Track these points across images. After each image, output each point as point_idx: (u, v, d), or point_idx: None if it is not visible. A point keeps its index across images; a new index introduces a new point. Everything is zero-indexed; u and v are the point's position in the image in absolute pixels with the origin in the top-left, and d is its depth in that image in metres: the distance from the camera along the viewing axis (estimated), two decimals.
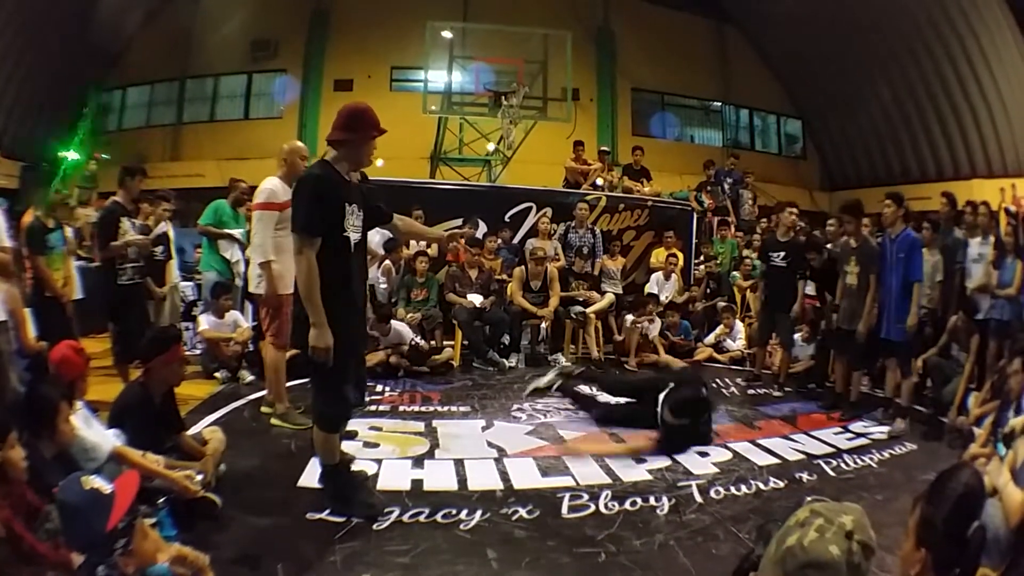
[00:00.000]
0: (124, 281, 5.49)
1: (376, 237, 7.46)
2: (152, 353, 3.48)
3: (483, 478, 4.02)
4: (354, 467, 3.91)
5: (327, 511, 3.39)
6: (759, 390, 6.83)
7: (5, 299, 4.12)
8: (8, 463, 2.27)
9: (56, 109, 14.95)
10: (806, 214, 10.26)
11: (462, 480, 3.98)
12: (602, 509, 3.64)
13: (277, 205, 4.70)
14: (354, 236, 3.32)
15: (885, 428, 5.43)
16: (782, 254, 6.87)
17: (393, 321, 6.87)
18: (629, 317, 8.04)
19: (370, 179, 6.14)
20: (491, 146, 12.75)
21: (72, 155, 14.14)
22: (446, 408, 5.65)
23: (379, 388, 6.18)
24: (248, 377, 6.21)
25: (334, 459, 3.45)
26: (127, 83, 17.24)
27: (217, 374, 6.25)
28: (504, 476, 4.07)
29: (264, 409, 5.09)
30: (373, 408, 5.50)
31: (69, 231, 5.90)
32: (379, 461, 4.19)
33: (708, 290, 9.20)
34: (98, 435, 3.06)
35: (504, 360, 7.39)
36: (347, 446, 4.28)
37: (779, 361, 7.19)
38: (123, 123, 17.28)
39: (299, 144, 5.08)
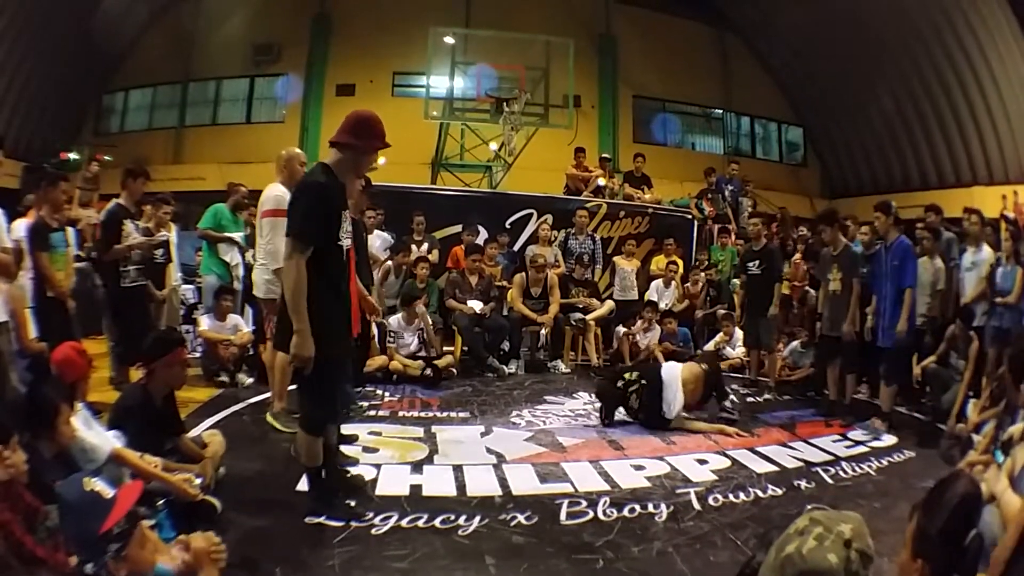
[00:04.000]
0: (127, 283, 5.49)
1: (377, 242, 7.47)
2: (155, 355, 3.48)
3: (482, 484, 4.02)
4: (354, 471, 3.93)
5: (326, 515, 3.39)
6: (756, 397, 6.84)
7: (7, 299, 4.12)
8: (10, 467, 2.27)
9: (59, 110, 14.98)
10: (806, 222, 10.28)
11: (461, 486, 3.98)
12: (600, 516, 3.64)
13: (286, 212, 4.69)
14: (346, 243, 3.35)
15: (881, 435, 5.43)
16: (757, 262, 7.15)
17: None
18: (620, 329, 8.07)
19: (373, 184, 6.17)
20: (493, 146, 12.76)
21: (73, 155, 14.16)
22: (445, 414, 5.65)
23: (379, 393, 6.19)
24: (247, 380, 6.21)
25: (316, 462, 3.47)
26: (130, 85, 17.31)
27: (217, 378, 6.24)
28: (503, 482, 4.07)
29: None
30: (373, 413, 5.51)
31: (71, 232, 5.90)
32: (378, 466, 4.19)
33: (708, 297, 9.19)
34: (98, 436, 3.06)
35: (504, 366, 7.40)
36: (348, 450, 4.31)
37: (768, 366, 7.27)
38: (125, 126, 17.34)
39: (297, 151, 5.10)
